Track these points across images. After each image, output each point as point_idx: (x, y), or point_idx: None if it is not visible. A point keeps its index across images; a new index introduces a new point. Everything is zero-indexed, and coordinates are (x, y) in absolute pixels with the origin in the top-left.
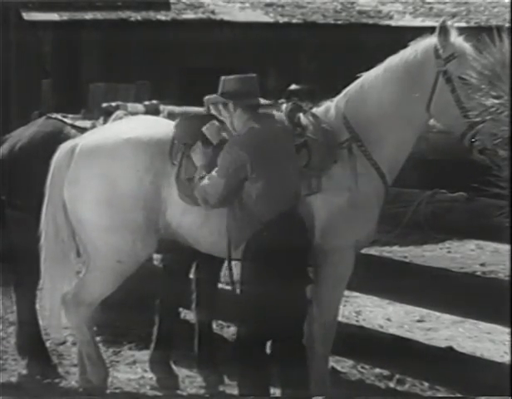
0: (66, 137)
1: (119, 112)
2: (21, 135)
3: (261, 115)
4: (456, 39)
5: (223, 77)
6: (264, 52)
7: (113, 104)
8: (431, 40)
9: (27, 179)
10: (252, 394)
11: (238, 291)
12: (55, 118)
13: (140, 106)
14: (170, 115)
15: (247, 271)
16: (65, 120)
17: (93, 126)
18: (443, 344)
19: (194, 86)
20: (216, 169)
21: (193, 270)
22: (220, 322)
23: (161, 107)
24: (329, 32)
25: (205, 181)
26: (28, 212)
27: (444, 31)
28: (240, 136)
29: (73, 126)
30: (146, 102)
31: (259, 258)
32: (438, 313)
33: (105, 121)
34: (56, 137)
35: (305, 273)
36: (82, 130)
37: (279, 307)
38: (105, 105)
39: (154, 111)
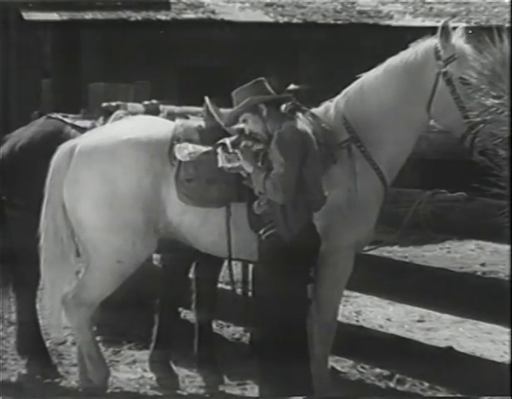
0: (67, 137)
1: (119, 112)
2: (21, 134)
3: (287, 114)
4: (457, 40)
5: (234, 92)
6: (264, 52)
7: (113, 104)
8: (432, 41)
9: (27, 179)
10: (275, 395)
11: (239, 291)
12: (55, 118)
13: (139, 106)
14: (170, 115)
15: (264, 273)
16: (65, 119)
17: (93, 126)
18: (443, 344)
19: (194, 86)
20: (280, 162)
21: (193, 270)
22: (220, 321)
23: (161, 107)
24: (329, 32)
25: (274, 178)
26: (28, 212)
27: (445, 32)
28: (283, 129)
29: (73, 126)
30: (146, 102)
31: (279, 260)
32: (438, 313)
33: (105, 121)
34: (57, 137)
35: (307, 271)
36: (82, 129)
37: (291, 307)
38: (105, 104)
39: (154, 111)
